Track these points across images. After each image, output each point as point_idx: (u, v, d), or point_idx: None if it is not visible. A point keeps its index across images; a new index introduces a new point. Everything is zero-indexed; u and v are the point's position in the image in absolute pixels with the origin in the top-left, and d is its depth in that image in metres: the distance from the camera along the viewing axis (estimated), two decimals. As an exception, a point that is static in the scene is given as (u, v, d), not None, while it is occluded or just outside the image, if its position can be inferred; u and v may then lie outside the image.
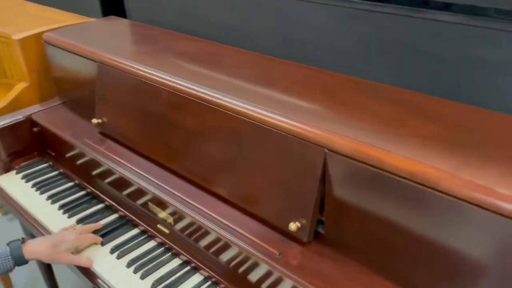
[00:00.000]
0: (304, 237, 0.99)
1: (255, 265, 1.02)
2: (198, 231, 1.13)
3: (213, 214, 1.11)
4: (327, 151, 0.91)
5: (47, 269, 1.85)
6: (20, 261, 1.14)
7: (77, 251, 1.24)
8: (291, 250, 1.00)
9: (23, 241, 1.17)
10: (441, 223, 0.79)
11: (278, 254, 0.99)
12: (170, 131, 1.24)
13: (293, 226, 0.98)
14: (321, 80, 1.18)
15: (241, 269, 1.06)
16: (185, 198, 1.18)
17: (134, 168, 1.31)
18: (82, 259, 1.21)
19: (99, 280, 1.18)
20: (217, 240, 1.09)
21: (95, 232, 1.30)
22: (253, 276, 1.04)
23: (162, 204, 1.21)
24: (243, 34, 1.50)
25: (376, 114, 0.98)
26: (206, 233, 1.11)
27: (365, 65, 1.24)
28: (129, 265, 1.20)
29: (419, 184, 0.79)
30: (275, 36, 1.43)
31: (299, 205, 0.98)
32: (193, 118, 1.16)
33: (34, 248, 1.16)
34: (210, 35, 1.57)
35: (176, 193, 1.20)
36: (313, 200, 0.95)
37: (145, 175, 1.27)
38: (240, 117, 1.05)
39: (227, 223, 1.08)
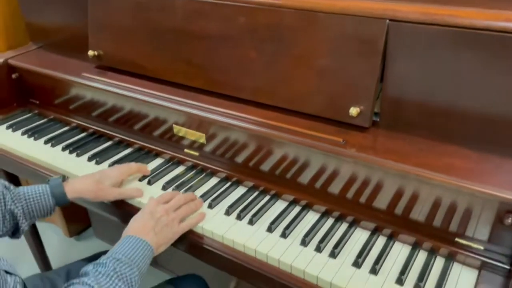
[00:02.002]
0: (366, 122, 0.96)
1: (310, 160, 0.98)
2: (239, 142, 1.07)
3: (258, 119, 1.05)
4: (389, 22, 0.88)
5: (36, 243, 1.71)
6: (62, 199, 1.02)
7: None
8: (352, 137, 0.96)
9: (64, 179, 1.05)
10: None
11: (342, 141, 0.95)
12: (191, 45, 1.15)
13: (353, 111, 0.95)
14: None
15: (293, 170, 1.02)
16: (221, 109, 1.10)
17: (153, 92, 1.20)
18: (132, 190, 1.10)
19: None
20: (264, 144, 1.03)
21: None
22: (307, 174, 1.00)
23: (192, 123, 1.13)
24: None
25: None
26: (251, 140, 1.05)
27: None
28: (164, 188, 1.11)
29: (501, 32, 0.79)
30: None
31: (358, 90, 0.94)
32: (221, 23, 1.08)
33: (76, 185, 1.04)
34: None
35: (208, 106, 1.12)
36: (375, 81, 0.93)
37: (168, 96, 1.17)
38: (280, 9, 1.00)
39: (276, 123, 1.02)
